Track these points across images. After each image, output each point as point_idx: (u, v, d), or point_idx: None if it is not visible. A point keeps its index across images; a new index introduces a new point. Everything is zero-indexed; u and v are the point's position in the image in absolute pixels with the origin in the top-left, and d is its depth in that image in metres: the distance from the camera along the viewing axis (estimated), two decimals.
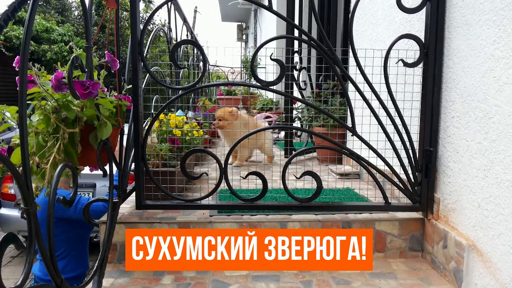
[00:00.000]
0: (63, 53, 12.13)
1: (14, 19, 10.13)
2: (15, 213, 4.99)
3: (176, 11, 3.73)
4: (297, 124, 4.00)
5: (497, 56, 1.58)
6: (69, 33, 12.98)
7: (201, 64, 7.12)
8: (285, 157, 3.76)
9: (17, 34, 11.35)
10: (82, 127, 1.68)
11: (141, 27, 1.98)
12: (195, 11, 21.83)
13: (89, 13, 1.62)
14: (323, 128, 3.36)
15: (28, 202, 1.14)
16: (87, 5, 1.63)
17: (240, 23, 15.68)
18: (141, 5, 18.88)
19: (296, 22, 3.75)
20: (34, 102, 1.63)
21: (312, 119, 3.57)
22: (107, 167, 1.84)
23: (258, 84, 1.96)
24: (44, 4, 15.61)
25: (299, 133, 4.39)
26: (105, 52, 1.84)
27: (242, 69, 8.78)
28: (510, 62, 1.51)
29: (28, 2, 1.20)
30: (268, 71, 5.69)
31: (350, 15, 1.97)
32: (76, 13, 16.40)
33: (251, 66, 1.95)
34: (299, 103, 4.10)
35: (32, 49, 11.71)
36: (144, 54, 2.44)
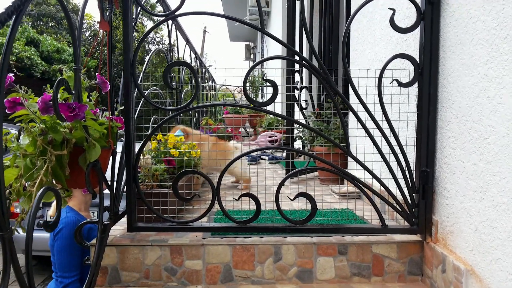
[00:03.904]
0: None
1: (26, 40, 10.33)
2: (22, 232, 4.99)
3: (177, 31, 3.77)
4: (298, 143, 3.97)
5: (490, 75, 1.54)
6: (80, 53, 13.20)
7: (208, 82, 7.18)
8: None
9: (28, 55, 11.58)
10: (71, 149, 1.67)
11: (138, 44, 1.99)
12: (204, 31, 22.13)
13: (77, 36, 1.62)
14: (324, 147, 3.33)
15: (3, 228, 1.12)
16: (76, 28, 1.64)
17: (247, 43, 15.84)
18: (149, 25, 19.21)
19: (297, 42, 3.75)
20: (23, 124, 1.63)
21: (314, 139, 3.54)
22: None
23: (250, 105, 1.95)
24: (56, 26, 15.96)
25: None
26: (96, 74, 1.84)
27: (249, 87, 8.82)
28: (503, 82, 1.47)
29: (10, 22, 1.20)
30: (281, 91, 5.68)
31: (343, 36, 1.96)
32: (87, 33, 16.72)
33: (243, 87, 1.93)
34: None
35: (43, 69, 11.93)
36: (141, 74, 2.45)
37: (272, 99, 1.95)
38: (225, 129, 5.66)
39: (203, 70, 6.22)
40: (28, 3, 1.32)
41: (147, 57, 2.77)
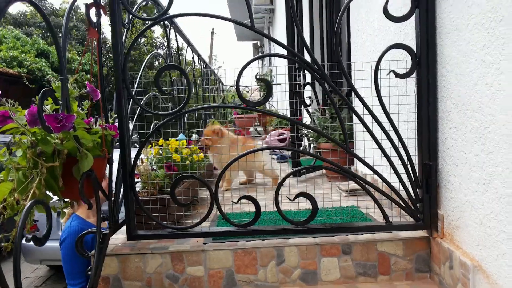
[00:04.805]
0: (84, 82, 12.52)
1: (37, 52, 10.52)
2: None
3: (177, 34, 3.75)
4: (304, 141, 3.92)
5: (488, 61, 1.47)
6: (90, 62, 13.34)
7: (215, 85, 7.16)
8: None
9: (39, 66, 11.75)
10: (63, 160, 1.65)
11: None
12: (212, 32, 22.16)
13: (62, 47, 1.60)
14: (329, 144, 3.27)
15: None
16: (60, 40, 1.62)
17: (255, 42, 15.80)
18: (159, 30, 19.32)
19: (297, 41, 3.68)
20: (16, 138, 1.61)
21: (319, 136, 3.47)
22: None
23: (242, 105, 1.91)
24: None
25: (306, 150, 4.29)
26: (86, 82, 1.83)
27: (257, 86, 8.76)
28: (501, 67, 1.40)
29: None
30: (283, 89, 5.60)
31: (335, 27, 1.90)
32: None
33: (236, 86, 1.89)
34: (306, 121, 4.04)
35: (53, 79, 12.08)
36: (137, 80, 2.43)
37: (266, 98, 1.91)
38: (233, 130, 5.63)
39: (209, 72, 6.20)
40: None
41: (144, 63, 2.75)
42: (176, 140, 2.83)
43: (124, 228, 2.08)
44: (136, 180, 2.09)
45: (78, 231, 2.35)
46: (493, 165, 1.47)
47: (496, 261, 1.47)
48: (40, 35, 16.09)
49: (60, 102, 1.59)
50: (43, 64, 12.27)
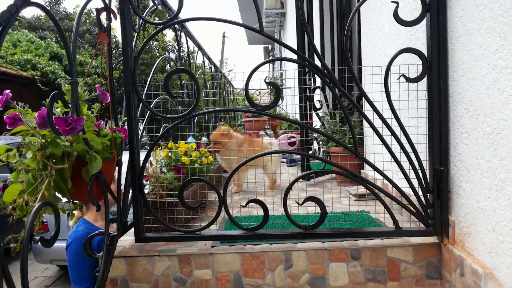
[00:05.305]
0: (97, 84, 12.67)
1: (50, 55, 10.63)
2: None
3: (187, 37, 3.77)
4: (314, 145, 3.89)
5: (500, 66, 1.45)
6: (103, 65, 13.47)
7: (225, 88, 7.18)
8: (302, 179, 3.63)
9: (52, 69, 11.88)
10: (73, 163, 1.66)
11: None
12: (224, 36, 22.26)
13: (72, 52, 1.61)
14: (339, 148, 3.24)
15: None
16: (72, 41, 1.64)
17: (266, 45, 15.81)
18: (171, 34, 19.43)
19: (307, 45, 3.68)
20: (26, 140, 1.63)
21: (328, 140, 3.46)
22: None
23: (252, 109, 1.91)
24: (78, 39, 16.34)
25: (316, 154, 4.27)
26: (96, 86, 1.84)
27: (268, 89, 8.76)
28: None
29: None
30: (294, 93, 5.59)
31: (345, 29, 1.88)
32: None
33: (245, 90, 1.89)
34: (316, 124, 4.02)
35: (67, 82, 12.23)
36: (147, 83, 2.44)
37: (275, 102, 1.91)
38: (243, 133, 5.63)
39: (219, 75, 6.22)
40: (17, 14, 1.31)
41: (155, 66, 2.77)
42: (186, 143, 2.84)
43: (132, 230, 2.09)
44: (145, 182, 2.09)
45: (84, 236, 2.35)
46: (505, 171, 1.44)
47: (508, 269, 1.44)
48: (54, 38, 16.31)
49: (70, 105, 1.60)
50: (56, 67, 12.43)
